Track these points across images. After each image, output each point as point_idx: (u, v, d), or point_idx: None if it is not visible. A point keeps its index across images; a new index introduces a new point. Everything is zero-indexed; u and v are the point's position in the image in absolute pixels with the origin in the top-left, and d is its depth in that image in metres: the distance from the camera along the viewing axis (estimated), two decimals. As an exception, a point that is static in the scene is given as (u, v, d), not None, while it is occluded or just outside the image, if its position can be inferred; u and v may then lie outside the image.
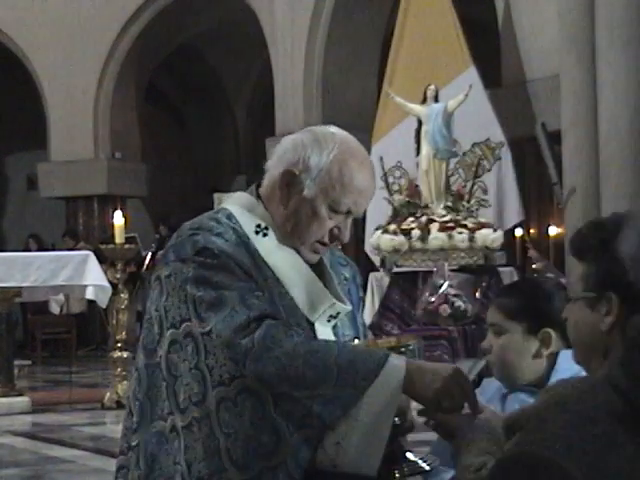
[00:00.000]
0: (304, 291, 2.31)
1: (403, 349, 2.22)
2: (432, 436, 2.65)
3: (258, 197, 2.39)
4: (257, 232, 2.33)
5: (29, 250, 15.59)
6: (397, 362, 2.13)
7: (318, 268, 2.40)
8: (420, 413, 2.23)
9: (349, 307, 2.39)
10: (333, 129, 2.38)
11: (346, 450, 2.12)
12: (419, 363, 2.18)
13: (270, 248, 2.32)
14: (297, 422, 2.12)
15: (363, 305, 2.58)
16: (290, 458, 2.11)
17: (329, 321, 2.34)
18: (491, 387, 2.74)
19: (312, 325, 2.32)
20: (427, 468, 2.25)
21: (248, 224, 2.33)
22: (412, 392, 2.14)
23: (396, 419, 2.22)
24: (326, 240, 2.34)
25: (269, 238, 2.33)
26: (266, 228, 2.33)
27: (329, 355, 2.13)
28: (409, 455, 2.25)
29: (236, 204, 2.38)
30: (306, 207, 2.31)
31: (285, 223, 2.33)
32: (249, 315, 2.16)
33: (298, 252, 2.34)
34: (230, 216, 2.34)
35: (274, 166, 2.36)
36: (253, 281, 2.24)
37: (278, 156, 2.36)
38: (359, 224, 13.30)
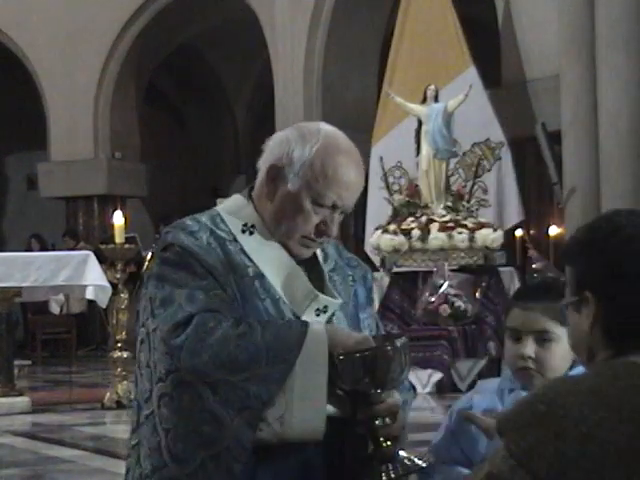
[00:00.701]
0: (287, 285, 2.35)
1: (389, 347, 2.22)
2: (432, 436, 2.66)
3: (250, 197, 2.44)
4: (243, 231, 2.38)
5: (31, 250, 15.58)
6: (317, 327, 2.24)
7: (309, 264, 2.42)
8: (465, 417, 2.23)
9: (338, 301, 2.40)
10: (322, 125, 2.41)
11: (290, 421, 2.18)
12: (332, 325, 2.31)
13: (256, 245, 2.36)
14: (236, 406, 2.17)
15: (370, 306, 2.57)
16: (233, 443, 2.17)
17: (318, 315, 2.36)
18: (488, 385, 2.73)
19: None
20: (423, 465, 2.25)
21: (235, 224, 2.38)
22: (335, 347, 2.22)
23: (387, 419, 2.23)
24: (313, 236, 2.36)
25: (255, 236, 2.37)
26: (253, 226, 2.38)
27: (255, 335, 2.19)
28: (402, 453, 2.25)
29: (225, 206, 2.45)
30: (291, 201, 2.34)
31: (272, 218, 2.37)
32: (191, 312, 2.22)
33: (287, 247, 2.37)
34: (215, 217, 2.39)
35: (263, 163, 2.41)
36: (214, 279, 2.28)
37: (266, 153, 2.41)
38: (359, 224, 13.31)
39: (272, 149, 2.39)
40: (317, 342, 2.20)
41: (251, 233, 2.37)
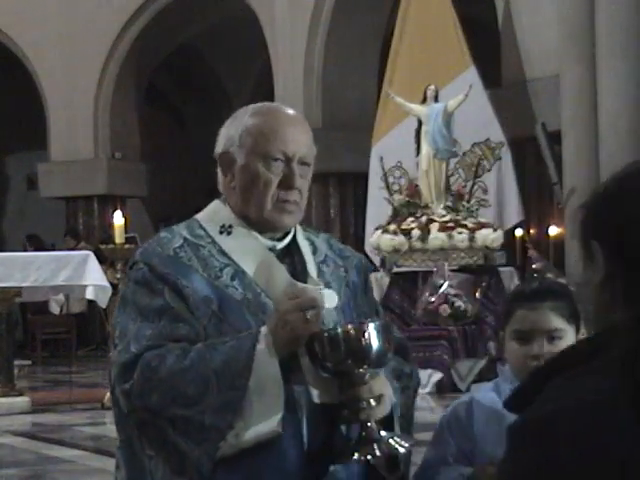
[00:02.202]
0: (267, 278, 2.37)
1: (351, 327, 2.25)
2: (429, 436, 2.66)
3: (226, 201, 2.48)
4: (221, 232, 2.41)
5: (26, 251, 15.56)
6: (263, 345, 2.21)
7: (294, 255, 2.45)
8: None
9: (318, 287, 2.39)
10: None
11: (245, 436, 2.22)
12: (268, 320, 2.26)
13: (234, 244, 2.39)
14: (195, 438, 2.21)
15: (366, 294, 2.56)
16: (195, 473, 2.22)
17: None
18: (485, 386, 2.73)
19: None
20: (405, 444, 2.26)
21: (212, 228, 2.42)
22: (284, 350, 2.23)
23: (371, 401, 2.24)
24: (283, 195, 2.38)
25: (233, 235, 2.41)
26: (230, 226, 2.42)
27: (203, 365, 2.22)
28: (385, 434, 2.26)
29: (204, 212, 2.49)
30: (246, 173, 2.38)
31: (242, 203, 2.41)
32: (135, 353, 2.26)
33: (270, 224, 2.39)
34: (192, 225, 2.44)
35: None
36: (173, 292, 2.30)
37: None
38: (359, 224, 13.31)
39: (217, 145, 2.46)
40: (266, 360, 2.21)
41: (229, 233, 2.41)
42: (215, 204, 2.49)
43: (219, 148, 2.44)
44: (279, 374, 2.21)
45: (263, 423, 2.21)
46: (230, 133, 2.42)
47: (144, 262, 2.35)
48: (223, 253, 2.38)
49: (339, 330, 2.23)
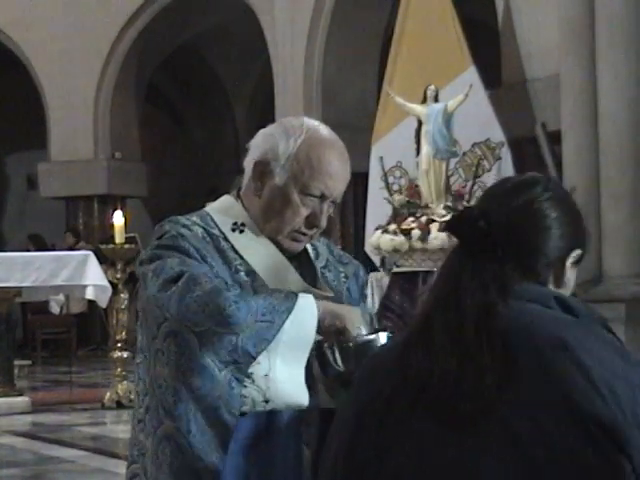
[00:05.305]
0: (279, 281, 2.36)
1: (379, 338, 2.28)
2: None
3: (239, 197, 2.46)
4: (234, 229, 2.40)
5: (28, 252, 15.56)
6: (308, 299, 2.26)
7: (301, 261, 2.45)
8: None
9: (330, 294, 2.41)
10: (305, 119, 2.45)
11: (274, 380, 2.21)
12: (324, 302, 2.30)
13: (246, 243, 2.38)
14: (224, 358, 2.19)
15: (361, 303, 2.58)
16: (225, 395, 2.19)
17: None
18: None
19: None
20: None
21: (224, 223, 2.40)
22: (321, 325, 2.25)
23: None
24: (304, 229, 2.38)
25: (245, 234, 2.39)
26: (243, 224, 2.40)
27: (245, 294, 2.23)
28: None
29: (215, 206, 2.48)
30: (279, 195, 2.37)
31: (261, 214, 2.40)
32: (182, 270, 2.23)
33: (277, 243, 2.40)
34: (205, 217, 2.42)
35: (248, 161, 2.44)
36: (208, 265, 2.30)
37: (252, 151, 2.44)
38: (359, 224, 13.30)
39: (257, 146, 2.42)
40: (306, 312, 2.23)
41: (241, 231, 2.39)
42: (227, 199, 2.47)
43: (257, 152, 2.41)
44: (313, 331, 2.24)
45: (291, 388, 2.22)
46: (276, 144, 2.38)
47: (177, 232, 2.32)
48: (235, 251, 2.37)
49: (350, 343, 2.24)
